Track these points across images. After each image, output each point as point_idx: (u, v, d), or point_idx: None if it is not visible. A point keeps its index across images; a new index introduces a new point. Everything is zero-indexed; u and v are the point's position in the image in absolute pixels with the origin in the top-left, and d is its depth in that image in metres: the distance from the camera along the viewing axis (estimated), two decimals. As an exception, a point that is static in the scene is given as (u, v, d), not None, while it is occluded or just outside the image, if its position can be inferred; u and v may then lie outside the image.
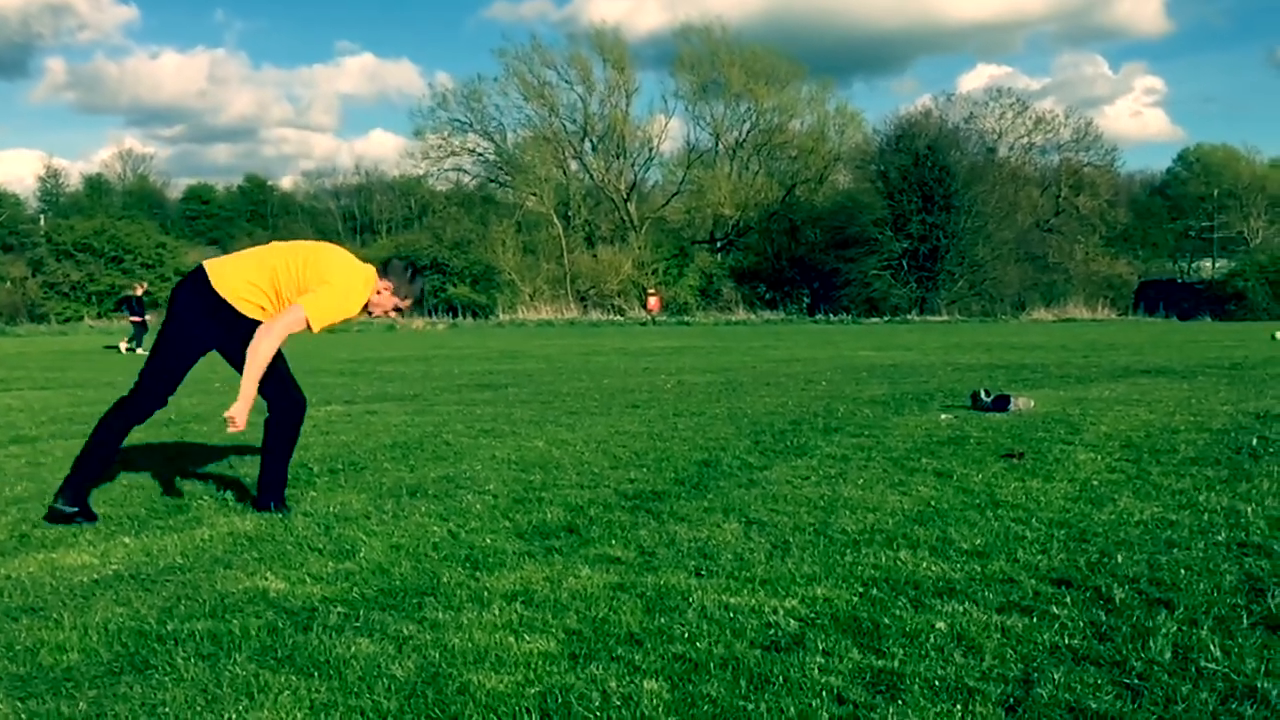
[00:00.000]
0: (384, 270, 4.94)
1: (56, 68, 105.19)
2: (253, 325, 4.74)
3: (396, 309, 4.98)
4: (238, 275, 4.79)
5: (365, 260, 5.12)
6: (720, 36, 56.67)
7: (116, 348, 23.92)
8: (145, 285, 27.45)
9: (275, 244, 5.02)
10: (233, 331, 4.78)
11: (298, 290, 4.73)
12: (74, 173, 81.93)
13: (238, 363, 4.86)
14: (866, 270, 46.85)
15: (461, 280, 50.45)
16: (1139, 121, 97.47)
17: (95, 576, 3.91)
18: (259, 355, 4.59)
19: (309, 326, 4.68)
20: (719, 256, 54.97)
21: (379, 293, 4.89)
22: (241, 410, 4.57)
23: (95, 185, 68.62)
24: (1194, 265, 62.02)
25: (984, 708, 2.60)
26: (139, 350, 22.52)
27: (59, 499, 4.80)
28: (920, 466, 6.02)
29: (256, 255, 4.91)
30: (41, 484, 5.82)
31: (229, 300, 4.74)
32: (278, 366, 4.92)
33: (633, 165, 57.32)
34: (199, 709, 2.67)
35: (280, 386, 4.95)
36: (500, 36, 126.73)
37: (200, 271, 4.85)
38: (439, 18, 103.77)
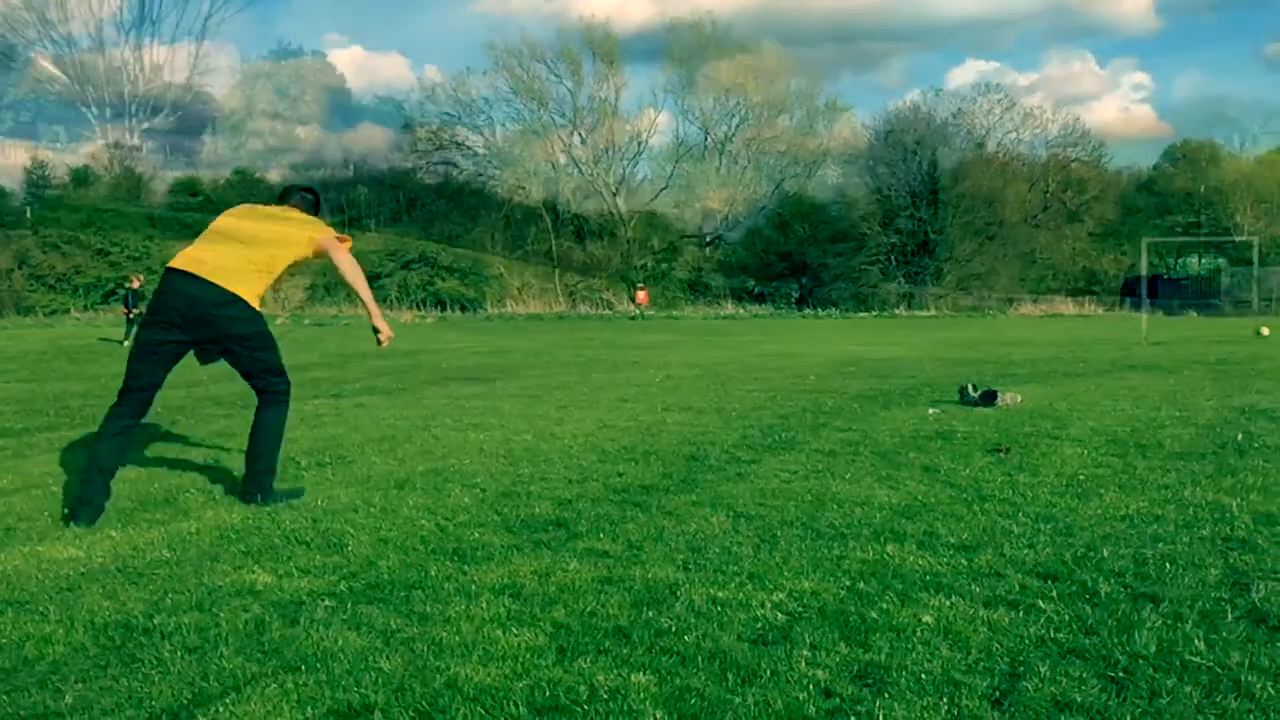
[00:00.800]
0: (316, 213, 5.33)
1: (43, 59, 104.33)
2: (235, 321, 4.75)
3: None
4: (239, 267, 4.78)
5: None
6: (710, 31, 56.70)
7: (119, 343, 23.70)
8: (141, 278, 27.29)
9: (225, 225, 5.09)
10: (214, 328, 4.77)
11: (281, 247, 4.95)
12: (60, 164, 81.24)
13: (232, 357, 4.88)
14: (855, 265, 46.99)
15: (450, 273, 50.34)
16: (1127, 117, 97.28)
17: (82, 569, 3.90)
18: (356, 276, 4.99)
19: (342, 241, 5.12)
20: (707, 250, 54.96)
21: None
22: (382, 324, 5.12)
23: (82, 177, 68.14)
24: (1180, 261, 62.25)
25: (970, 700, 2.61)
26: (126, 343, 22.42)
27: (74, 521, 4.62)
28: (907, 461, 6.04)
29: (241, 240, 4.93)
30: (27, 477, 5.79)
31: (243, 296, 4.73)
32: (270, 356, 4.93)
33: (621, 159, 57.23)
34: (185, 702, 2.67)
35: (268, 373, 4.94)
36: (490, 30, 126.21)
37: (189, 275, 4.76)
38: (428, 11, 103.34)
